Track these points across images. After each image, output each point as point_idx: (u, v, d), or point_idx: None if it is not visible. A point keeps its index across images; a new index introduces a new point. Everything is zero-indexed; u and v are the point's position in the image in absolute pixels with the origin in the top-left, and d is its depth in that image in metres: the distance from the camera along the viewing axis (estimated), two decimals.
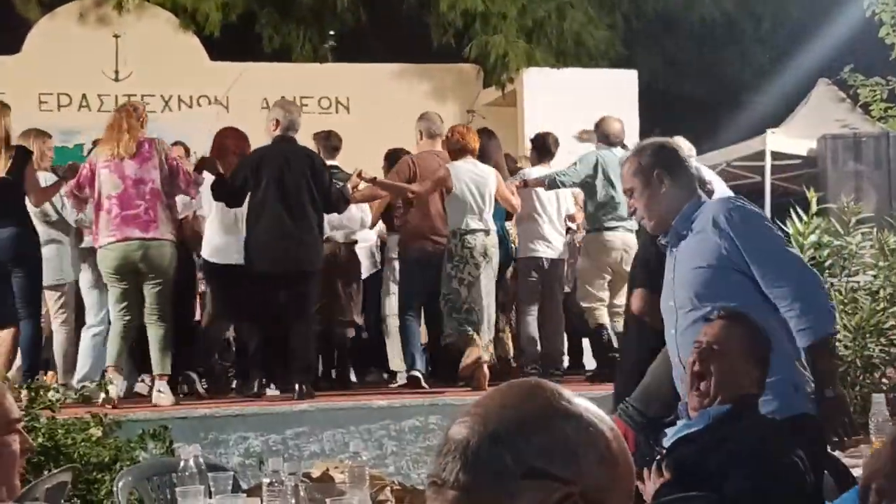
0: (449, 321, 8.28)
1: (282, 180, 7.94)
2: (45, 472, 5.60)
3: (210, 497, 3.95)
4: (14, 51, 12.94)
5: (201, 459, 4.13)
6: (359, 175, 8.41)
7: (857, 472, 4.38)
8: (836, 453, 4.77)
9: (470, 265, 8.25)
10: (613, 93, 12.71)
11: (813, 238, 7.71)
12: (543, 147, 9.55)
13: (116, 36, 13.16)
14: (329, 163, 8.88)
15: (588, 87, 12.63)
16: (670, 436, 3.78)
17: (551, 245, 9.19)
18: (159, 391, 7.65)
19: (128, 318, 7.77)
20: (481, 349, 8.08)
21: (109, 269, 7.78)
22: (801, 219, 7.87)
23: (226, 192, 8.05)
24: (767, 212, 9.54)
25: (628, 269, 6.86)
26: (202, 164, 8.22)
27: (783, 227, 8.16)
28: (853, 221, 8.11)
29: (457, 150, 8.53)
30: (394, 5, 14.23)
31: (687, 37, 15.41)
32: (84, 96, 12.88)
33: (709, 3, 14.96)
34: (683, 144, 8.64)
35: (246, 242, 8.08)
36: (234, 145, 8.42)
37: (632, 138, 11.36)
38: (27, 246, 7.81)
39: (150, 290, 7.75)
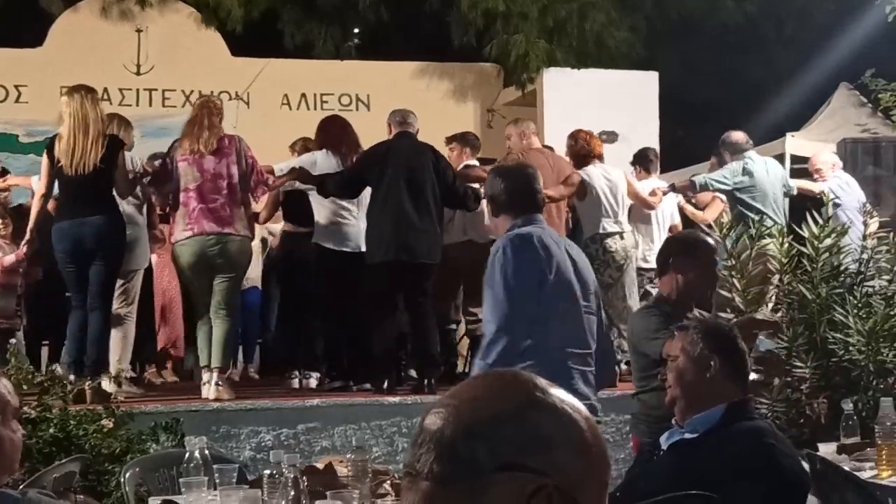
0: None
1: (408, 174, 7.92)
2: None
3: (215, 489, 3.98)
4: (36, 44, 13.02)
5: (207, 451, 4.17)
6: None
7: (863, 476, 4.37)
8: (843, 457, 4.77)
9: (611, 268, 8.32)
10: (634, 94, 12.71)
11: (828, 241, 7.67)
12: (645, 159, 9.80)
13: (139, 30, 13.22)
14: (467, 162, 9.08)
15: (609, 88, 12.61)
16: (664, 440, 3.82)
17: None
18: (218, 384, 7.55)
19: (207, 318, 7.77)
20: None
21: (185, 265, 7.78)
22: (816, 222, 7.83)
23: (342, 185, 8.11)
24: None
25: None
26: (300, 176, 8.24)
27: (799, 230, 8.13)
28: (871, 226, 8.09)
29: (583, 156, 8.63)
30: (416, 4, 14.25)
31: (709, 39, 15.35)
32: (105, 90, 12.85)
33: (731, 6, 14.89)
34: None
35: (368, 234, 8.06)
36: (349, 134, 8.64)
37: (652, 141, 11.39)
38: (113, 236, 7.64)
39: (220, 285, 7.72)
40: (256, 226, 9.11)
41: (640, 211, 9.31)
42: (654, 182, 9.62)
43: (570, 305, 4.69)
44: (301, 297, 9.01)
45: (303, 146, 9.01)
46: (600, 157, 8.73)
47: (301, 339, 9.04)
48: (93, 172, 7.48)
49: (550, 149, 9.18)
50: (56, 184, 7.71)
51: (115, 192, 7.74)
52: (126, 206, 7.98)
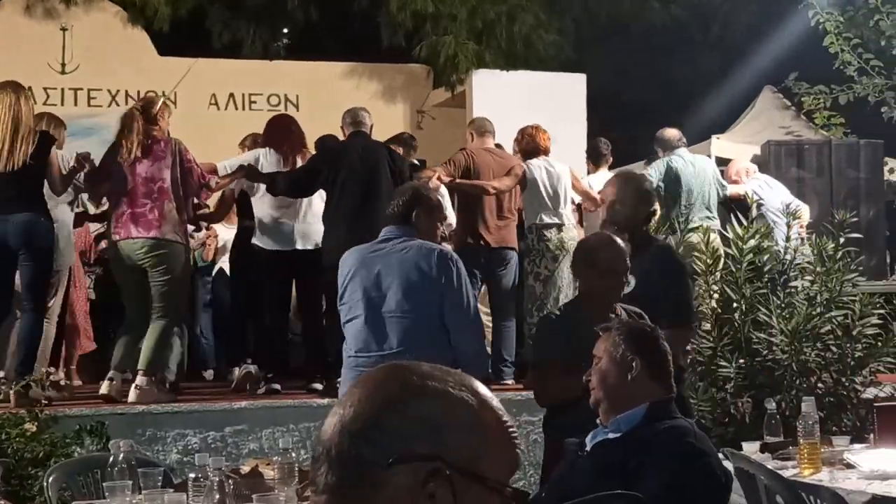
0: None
1: (362, 176, 7.85)
2: None
3: (140, 493, 3.95)
4: None
5: (132, 455, 4.13)
6: (438, 178, 8.37)
7: (786, 474, 4.44)
8: (766, 455, 4.83)
9: (546, 259, 8.40)
10: (563, 96, 12.75)
11: (752, 242, 7.78)
12: (597, 153, 9.88)
13: (64, 29, 13.01)
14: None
15: (537, 90, 12.64)
16: (589, 440, 3.84)
17: None
18: (136, 386, 7.48)
19: (132, 317, 7.79)
20: None
21: (115, 265, 7.87)
22: (741, 223, 7.95)
23: (291, 184, 8.05)
24: None
25: None
26: (251, 174, 8.22)
27: (724, 232, 8.24)
28: (794, 226, 8.24)
29: (529, 151, 8.70)
30: (345, 4, 14.21)
31: (637, 41, 15.48)
32: (30, 89, 12.66)
33: (659, 9, 15.02)
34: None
35: (325, 236, 7.96)
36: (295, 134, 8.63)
37: (580, 142, 11.47)
38: (40, 234, 7.51)
39: (154, 288, 7.69)
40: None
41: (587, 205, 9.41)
42: (605, 176, 9.66)
43: (367, 313, 5.39)
44: (247, 298, 9.05)
45: (252, 142, 9.00)
46: (546, 152, 8.82)
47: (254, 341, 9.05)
48: (21, 169, 7.37)
49: (500, 146, 9.25)
50: None
51: (46, 190, 7.63)
52: (52, 205, 7.86)
